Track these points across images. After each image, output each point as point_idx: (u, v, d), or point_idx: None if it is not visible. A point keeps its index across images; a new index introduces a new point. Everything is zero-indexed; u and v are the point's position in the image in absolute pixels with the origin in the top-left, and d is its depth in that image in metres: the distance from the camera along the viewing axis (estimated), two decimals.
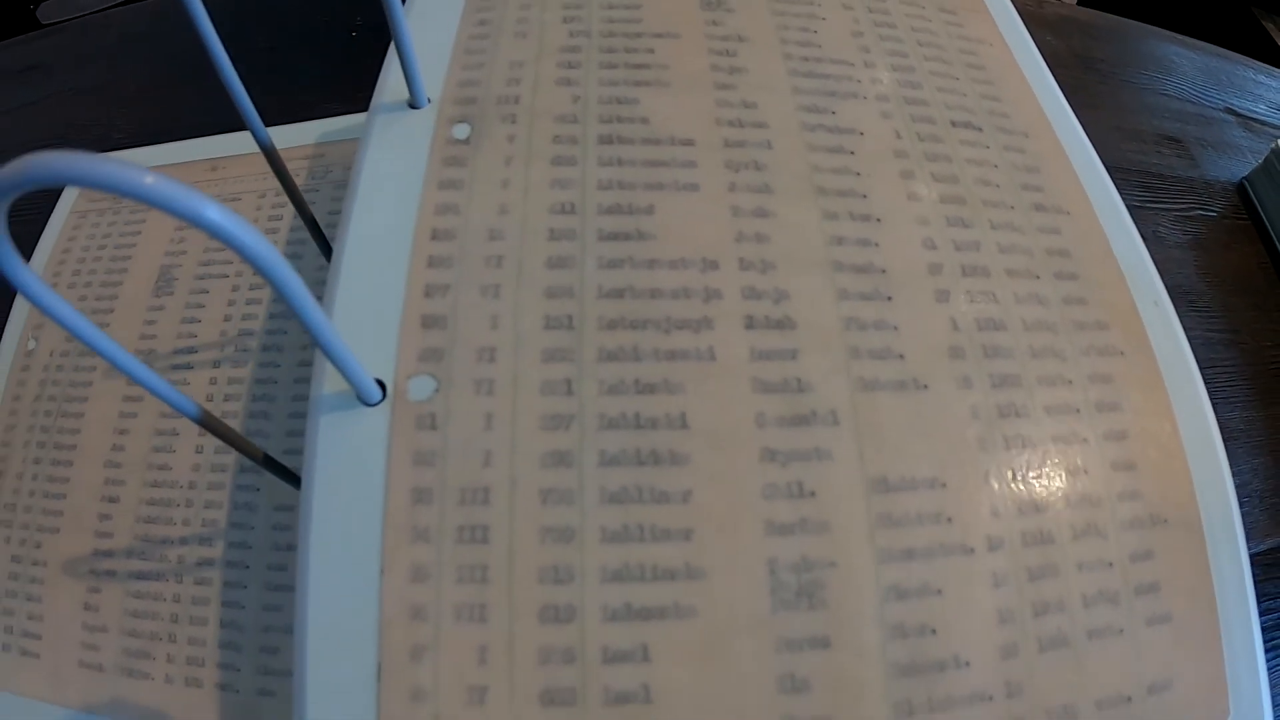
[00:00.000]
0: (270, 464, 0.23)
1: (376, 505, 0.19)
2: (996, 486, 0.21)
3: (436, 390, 0.21)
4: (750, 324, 0.23)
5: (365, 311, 0.21)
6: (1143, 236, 0.27)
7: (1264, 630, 0.24)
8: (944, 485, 0.21)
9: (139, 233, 0.40)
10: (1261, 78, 0.63)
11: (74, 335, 0.15)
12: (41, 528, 0.34)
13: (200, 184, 0.41)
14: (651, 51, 0.28)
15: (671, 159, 0.25)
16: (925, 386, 0.23)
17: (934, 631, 0.20)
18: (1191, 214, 0.54)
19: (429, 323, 0.21)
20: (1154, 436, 0.23)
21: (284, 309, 0.34)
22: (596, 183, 0.24)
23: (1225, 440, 0.24)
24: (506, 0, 0.28)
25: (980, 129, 0.29)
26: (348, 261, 0.22)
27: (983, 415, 0.22)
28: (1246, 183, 0.56)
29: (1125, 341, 0.25)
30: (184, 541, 0.33)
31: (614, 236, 0.23)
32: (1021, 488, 0.22)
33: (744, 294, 0.23)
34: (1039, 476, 0.22)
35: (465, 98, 0.26)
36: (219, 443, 0.34)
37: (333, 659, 0.17)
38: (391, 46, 0.23)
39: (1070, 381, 0.23)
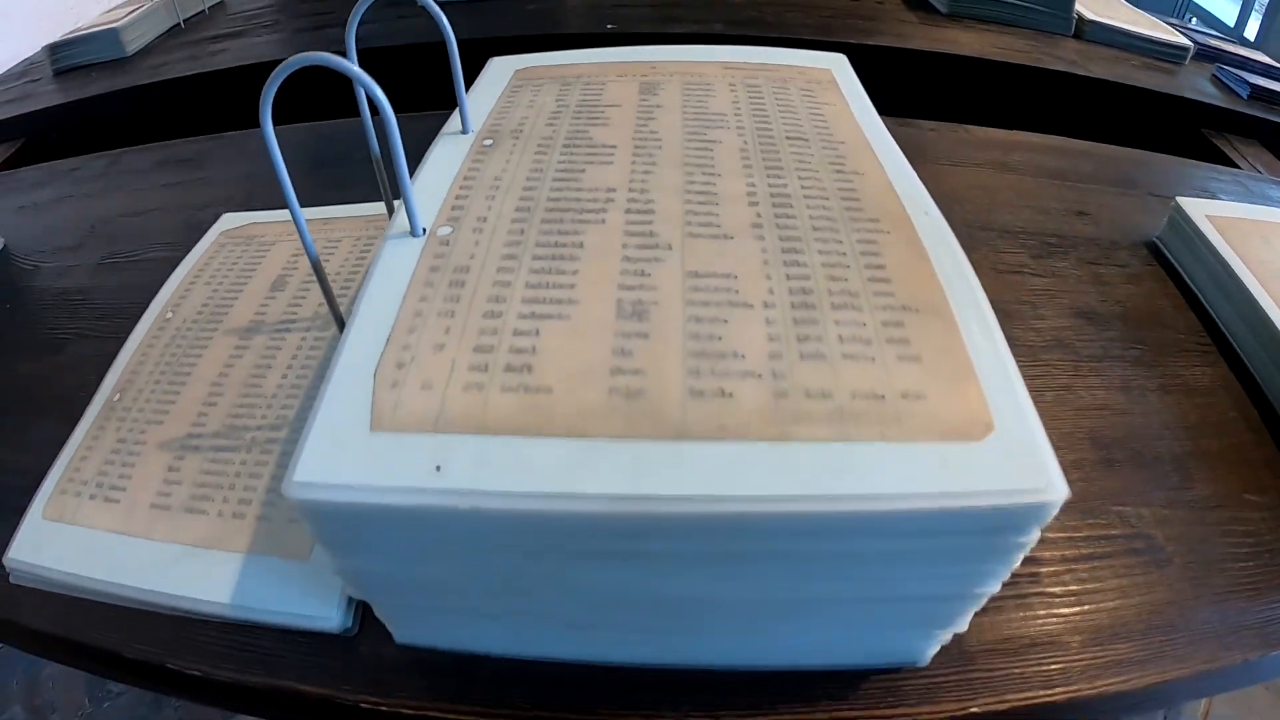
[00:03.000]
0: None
1: (404, 283, 0.36)
2: (772, 278, 0.36)
3: (452, 232, 0.39)
4: (628, 210, 0.41)
5: (423, 195, 0.41)
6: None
7: None
8: (735, 276, 0.36)
9: (266, 254, 0.59)
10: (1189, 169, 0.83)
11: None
12: (149, 421, 0.48)
13: (315, 231, 0.60)
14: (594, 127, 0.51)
15: (596, 158, 0.46)
16: (731, 237, 0.39)
17: (719, 338, 0.33)
18: (1100, 261, 0.67)
19: (452, 207, 0.41)
20: (910, 266, 0.36)
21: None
22: (554, 170, 0.46)
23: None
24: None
25: (807, 140, 0.47)
26: (418, 184, 0.40)
27: (769, 252, 0.38)
28: (1157, 240, 0.72)
29: (893, 228, 0.39)
30: (259, 428, 0.48)
31: (558, 178, 0.44)
32: (794, 282, 0.36)
33: (628, 201, 0.42)
34: (809, 277, 0.36)
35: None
36: (299, 369, 0.50)
37: (360, 346, 0.32)
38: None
39: (840, 240, 0.38)
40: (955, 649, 0.38)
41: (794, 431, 0.27)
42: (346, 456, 0.27)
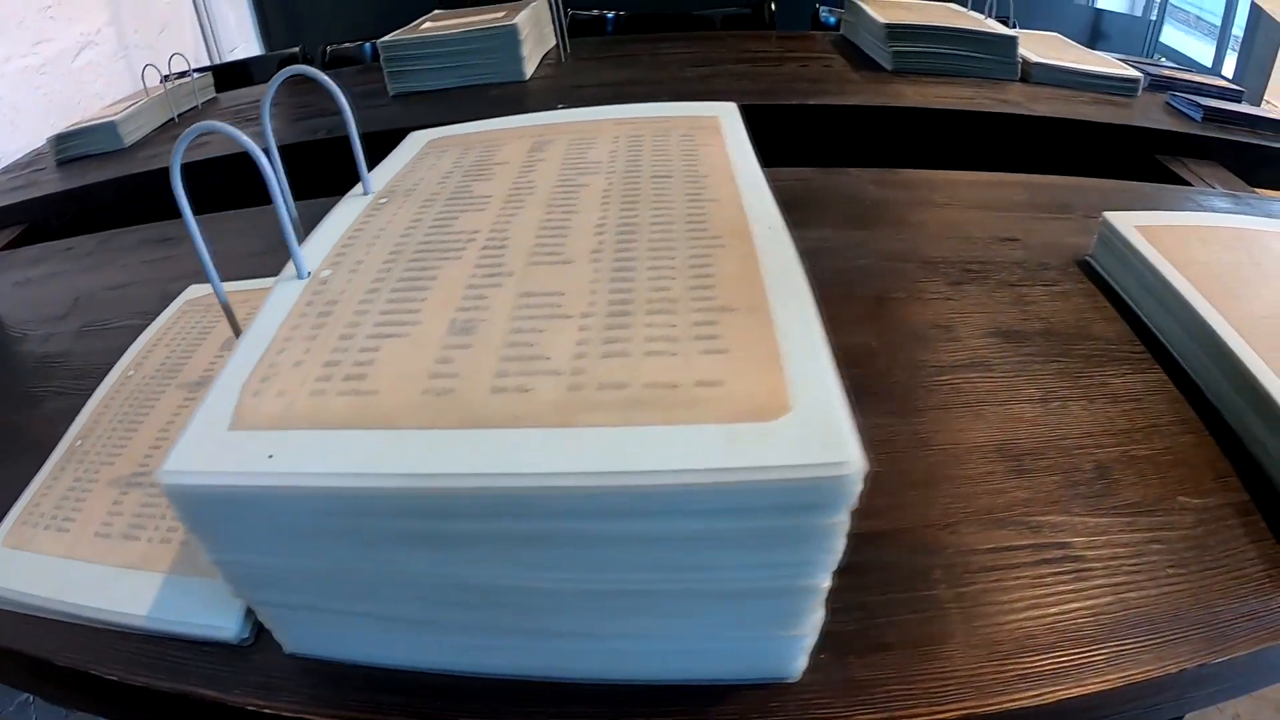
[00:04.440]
0: None
1: (283, 315, 0.39)
2: (597, 293, 0.38)
3: (331, 274, 0.43)
4: (484, 247, 0.44)
5: (315, 245, 0.45)
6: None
7: None
8: (562, 294, 0.38)
9: (221, 319, 0.63)
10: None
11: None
12: (103, 462, 0.51)
13: (259, 297, 0.62)
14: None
15: (471, 207, 0.50)
16: (570, 263, 0.41)
17: (532, 345, 0.35)
18: (1024, 282, 0.68)
19: (337, 254, 0.45)
20: (738, 273, 0.38)
21: None
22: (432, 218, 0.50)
23: None
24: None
25: (671, 176, 0.50)
26: (315, 237, 0.45)
27: (601, 272, 0.40)
28: (1089, 258, 0.71)
29: (731, 242, 0.41)
30: None
31: (433, 226, 0.47)
32: (616, 295, 0.38)
33: (487, 240, 0.45)
34: (632, 289, 0.38)
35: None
36: None
37: (236, 365, 0.36)
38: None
39: (673, 257, 0.40)
40: (835, 663, 0.37)
41: (583, 418, 0.29)
42: (206, 451, 0.31)
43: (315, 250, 0.45)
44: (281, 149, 0.47)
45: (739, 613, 0.32)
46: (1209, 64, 3.31)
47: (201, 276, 0.73)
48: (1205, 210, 0.81)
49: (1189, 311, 0.59)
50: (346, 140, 0.52)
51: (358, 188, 0.53)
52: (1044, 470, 0.48)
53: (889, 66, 1.24)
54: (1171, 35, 3.69)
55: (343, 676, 0.38)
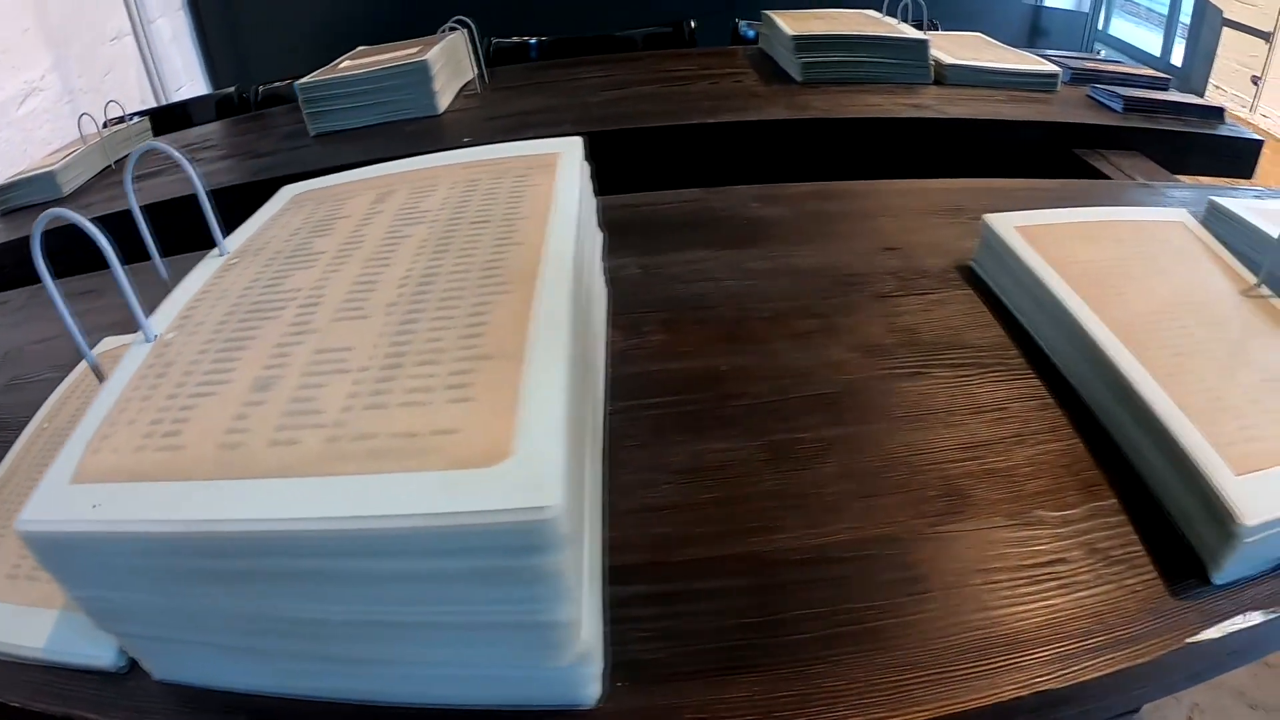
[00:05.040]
0: None
1: (129, 377, 0.42)
2: (379, 346, 0.40)
3: (174, 336, 0.45)
4: (302, 305, 0.45)
5: (167, 308, 0.48)
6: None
7: None
8: (351, 349, 0.40)
9: None
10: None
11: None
12: (13, 511, 0.48)
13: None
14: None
15: (303, 264, 0.51)
16: (366, 317, 0.43)
17: (313, 399, 0.37)
18: (896, 293, 0.68)
19: (183, 316, 0.46)
20: (510, 321, 0.40)
21: None
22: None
23: None
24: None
25: (489, 222, 0.51)
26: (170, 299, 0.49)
27: (390, 325, 0.42)
28: (973, 262, 0.72)
29: (517, 289, 0.42)
30: None
31: (267, 285, 0.49)
32: (395, 347, 0.40)
33: (306, 298, 0.46)
34: (410, 341, 0.40)
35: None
36: None
37: (85, 425, 0.39)
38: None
39: (458, 306, 0.42)
40: (633, 691, 0.37)
41: (333, 468, 0.32)
42: (52, 502, 0.34)
43: (167, 312, 0.48)
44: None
45: (497, 644, 0.34)
46: (1157, 54, 3.33)
47: (118, 329, 0.75)
48: (1107, 204, 0.79)
49: (1062, 313, 0.59)
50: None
51: (216, 249, 0.55)
52: (889, 489, 0.48)
53: (799, 78, 1.24)
54: (1121, 27, 3.73)
55: (201, 700, 0.40)
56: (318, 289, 0.47)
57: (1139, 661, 0.39)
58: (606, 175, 1.08)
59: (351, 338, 0.41)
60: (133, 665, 0.42)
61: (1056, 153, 1.15)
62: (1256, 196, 0.82)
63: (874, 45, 1.23)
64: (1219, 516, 0.45)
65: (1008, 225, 0.69)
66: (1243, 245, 0.76)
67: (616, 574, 0.42)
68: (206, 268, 0.52)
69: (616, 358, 0.59)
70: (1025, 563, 0.44)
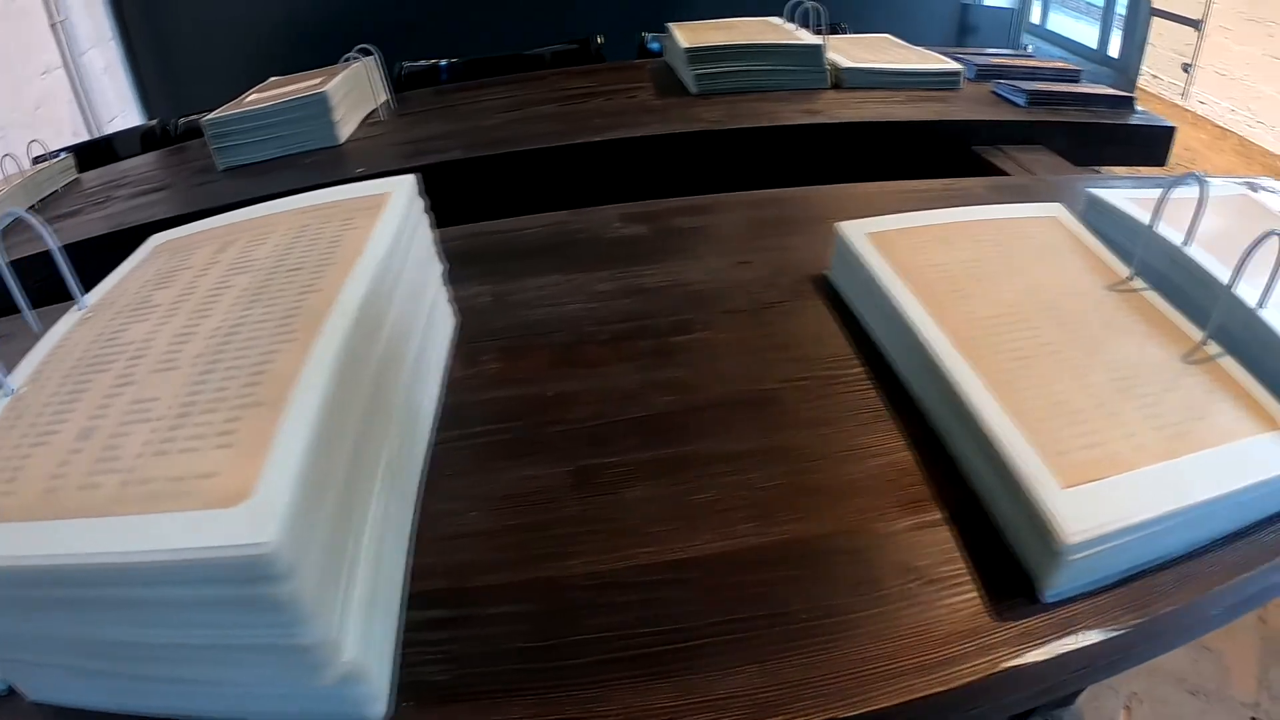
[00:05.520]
0: None
1: None
2: (178, 396, 0.41)
3: (26, 389, 0.45)
4: (131, 357, 0.46)
5: (30, 360, 0.48)
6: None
7: None
8: (157, 399, 0.41)
9: None
10: None
11: None
12: None
13: None
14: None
15: (140, 318, 0.51)
16: (177, 368, 0.44)
17: (117, 448, 0.38)
18: (743, 309, 0.68)
19: (37, 370, 0.47)
20: (287, 368, 0.41)
21: None
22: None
23: None
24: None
25: (302, 269, 0.51)
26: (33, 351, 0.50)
27: (192, 376, 0.42)
28: (827, 271, 0.72)
29: (304, 336, 0.43)
30: None
31: (106, 338, 0.49)
32: (191, 397, 0.41)
33: (136, 350, 0.46)
34: (201, 391, 0.41)
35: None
36: None
37: None
38: None
39: (248, 355, 0.43)
40: (418, 712, 0.38)
41: (121, 509, 0.34)
42: None
43: (26, 366, 0.49)
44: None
45: (265, 665, 0.35)
46: (1095, 46, 3.36)
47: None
48: (990, 202, 0.77)
49: (900, 320, 0.60)
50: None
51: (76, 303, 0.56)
52: (695, 512, 0.48)
53: (695, 90, 1.23)
54: (1059, 21, 3.76)
55: (68, 718, 0.40)
56: (147, 341, 0.48)
57: (942, 689, 0.39)
58: (492, 199, 1.06)
59: (161, 388, 0.43)
60: (10, 689, 0.43)
61: (956, 151, 1.13)
62: (1137, 185, 0.79)
63: (768, 53, 1.23)
64: (1042, 532, 0.44)
65: (859, 232, 0.67)
66: (1120, 236, 0.74)
67: (416, 599, 0.43)
68: (66, 322, 0.54)
69: (454, 387, 0.59)
70: (839, 589, 0.43)
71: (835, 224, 0.70)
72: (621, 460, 0.51)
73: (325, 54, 1.60)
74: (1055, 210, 0.76)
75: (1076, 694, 1.26)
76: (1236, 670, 1.36)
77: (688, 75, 1.27)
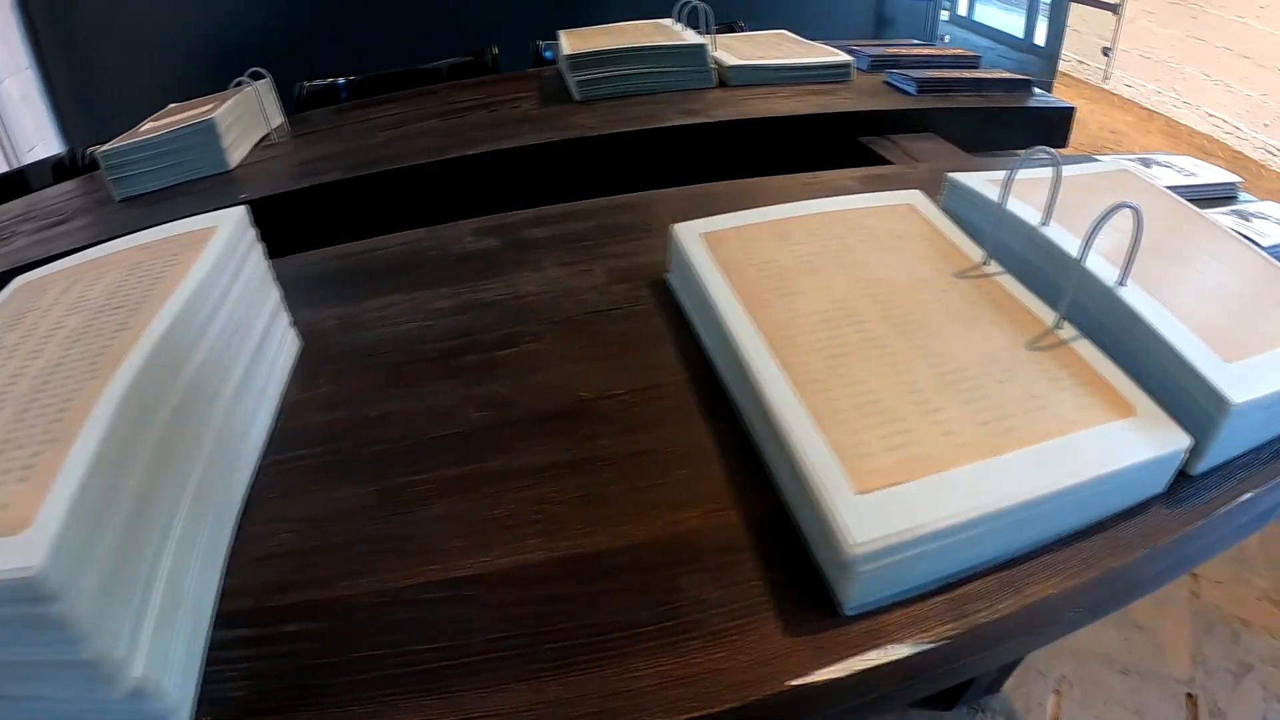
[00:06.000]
0: None
1: None
2: None
3: None
4: None
5: None
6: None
7: None
8: None
9: None
10: None
11: None
12: None
13: None
14: None
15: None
16: (4, 408, 0.41)
17: None
18: (568, 317, 0.66)
19: None
20: (82, 406, 0.40)
21: None
22: None
23: None
24: None
25: (121, 307, 0.48)
26: None
27: (9, 415, 0.40)
28: (667, 276, 0.70)
29: (105, 375, 0.42)
30: None
31: None
32: (7, 435, 0.39)
33: None
34: (15, 430, 0.39)
35: None
36: None
37: None
38: None
39: (56, 395, 0.41)
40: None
41: None
42: None
43: None
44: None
45: (61, 680, 0.36)
46: (1021, 35, 3.39)
47: None
48: (857, 192, 0.74)
49: (718, 322, 0.57)
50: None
51: None
52: (490, 527, 0.47)
53: (578, 97, 1.19)
54: (985, 13, 3.79)
55: None
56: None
57: (718, 710, 0.38)
58: (370, 218, 1.01)
59: None
60: None
61: (844, 143, 1.10)
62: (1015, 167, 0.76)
63: (650, 56, 1.20)
64: (831, 542, 0.41)
65: (693, 233, 0.64)
66: (979, 220, 0.71)
67: (225, 618, 0.43)
68: None
69: (289, 410, 0.58)
70: (625, 606, 0.42)
71: (672, 225, 0.67)
72: (428, 478, 0.51)
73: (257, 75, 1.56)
74: (912, 198, 0.73)
75: (1002, 681, 1.23)
76: (1170, 647, 1.33)
77: (571, 82, 1.23)
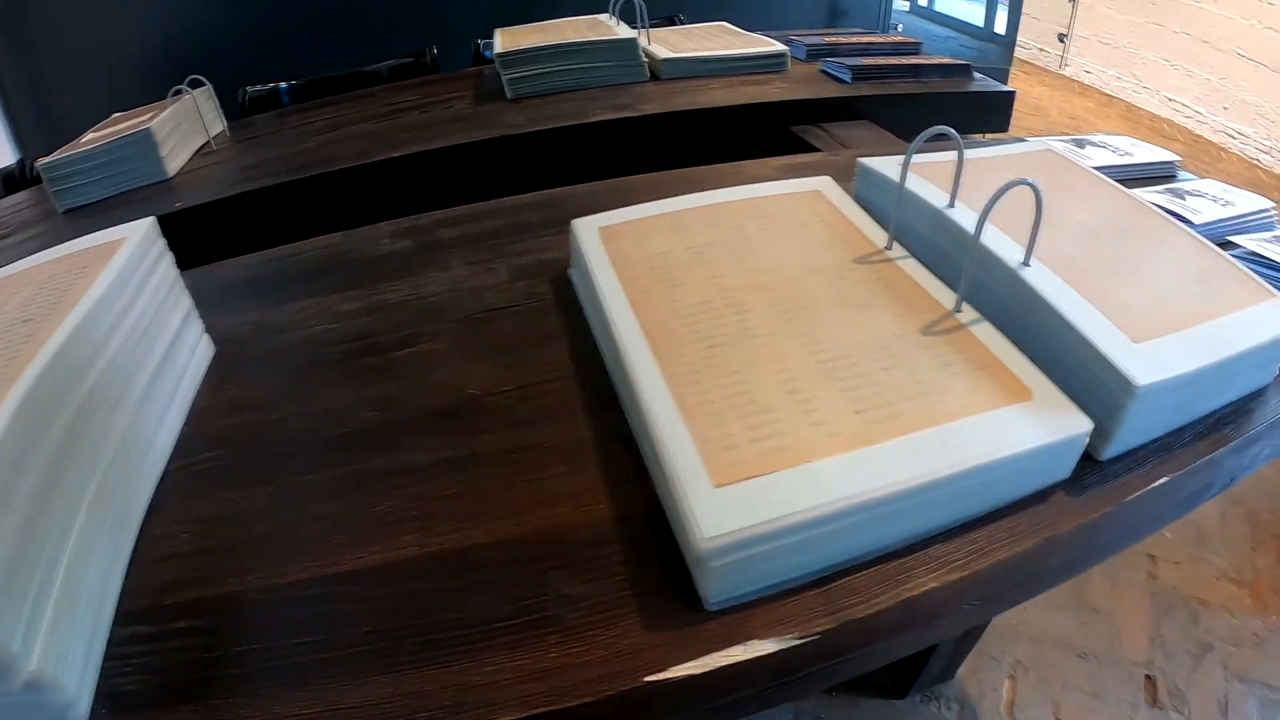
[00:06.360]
0: None
1: None
2: None
3: None
4: None
5: None
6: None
7: None
8: None
9: None
10: None
11: None
12: None
13: None
14: None
15: None
16: None
17: None
18: (489, 301, 0.66)
19: None
20: None
21: None
22: None
23: None
24: None
25: (30, 320, 0.48)
26: None
27: None
28: (570, 272, 0.68)
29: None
30: None
31: None
32: None
33: None
34: None
35: None
36: None
37: None
38: None
39: None
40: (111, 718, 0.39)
41: None
42: None
43: None
44: None
45: None
46: (981, 24, 3.39)
47: None
48: (775, 180, 0.72)
49: (603, 317, 0.55)
50: None
51: None
52: (366, 524, 0.47)
53: (510, 95, 1.16)
54: (946, 2, 3.78)
55: None
56: None
57: (571, 704, 0.37)
58: (301, 223, 0.98)
59: None
60: None
61: (776, 133, 1.09)
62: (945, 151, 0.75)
63: (580, 52, 1.18)
64: (688, 535, 0.40)
65: (591, 227, 0.63)
66: (889, 205, 0.68)
67: (125, 616, 0.44)
68: None
69: (197, 415, 0.57)
70: (489, 601, 0.42)
71: (572, 221, 0.65)
72: (318, 478, 0.51)
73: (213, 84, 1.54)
74: (821, 184, 0.71)
75: (955, 667, 1.21)
76: (1127, 630, 1.32)
77: (503, 80, 1.21)
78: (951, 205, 0.64)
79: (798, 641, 0.40)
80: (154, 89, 1.67)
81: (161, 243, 0.61)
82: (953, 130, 0.59)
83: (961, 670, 1.23)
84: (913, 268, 0.59)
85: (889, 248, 0.62)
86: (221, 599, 0.44)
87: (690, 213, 0.64)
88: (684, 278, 0.56)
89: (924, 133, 0.58)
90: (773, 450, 0.42)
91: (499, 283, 0.68)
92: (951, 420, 0.45)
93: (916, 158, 0.77)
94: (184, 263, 0.73)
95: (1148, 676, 1.25)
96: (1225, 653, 1.30)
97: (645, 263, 0.58)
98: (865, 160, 0.72)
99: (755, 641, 0.40)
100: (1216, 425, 0.54)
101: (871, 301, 0.55)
